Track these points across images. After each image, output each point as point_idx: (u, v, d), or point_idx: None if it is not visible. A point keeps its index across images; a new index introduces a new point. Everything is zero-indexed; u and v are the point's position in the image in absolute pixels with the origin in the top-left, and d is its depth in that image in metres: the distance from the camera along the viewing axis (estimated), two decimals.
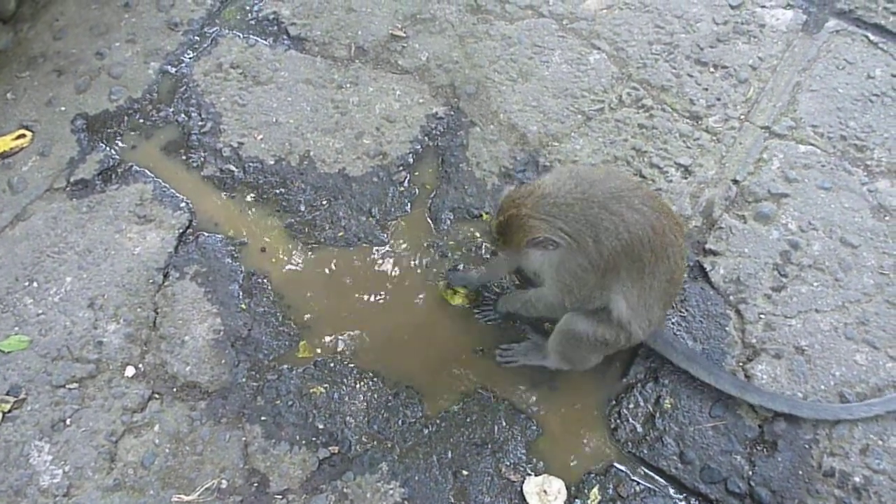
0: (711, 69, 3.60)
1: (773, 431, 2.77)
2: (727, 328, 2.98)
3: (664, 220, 2.45)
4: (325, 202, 3.35)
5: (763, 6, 3.78)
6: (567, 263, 2.48)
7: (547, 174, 2.57)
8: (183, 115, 3.59)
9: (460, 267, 3.17)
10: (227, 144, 3.50)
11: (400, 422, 2.87)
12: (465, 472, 2.77)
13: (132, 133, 3.57)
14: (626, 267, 2.46)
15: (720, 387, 2.79)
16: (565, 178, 2.45)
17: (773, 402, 2.75)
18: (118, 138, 3.55)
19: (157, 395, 2.93)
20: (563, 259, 2.47)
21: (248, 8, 3.93)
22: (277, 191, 3.38)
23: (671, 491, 2.74)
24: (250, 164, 3.44)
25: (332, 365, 2.99)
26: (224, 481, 2.77)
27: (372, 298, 3.14)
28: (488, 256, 3.19)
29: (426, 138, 3.49)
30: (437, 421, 2.88)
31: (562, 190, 2.41)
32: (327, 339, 3.06)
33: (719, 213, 3.23)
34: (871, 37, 3.65)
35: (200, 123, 3.56)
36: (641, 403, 2.88)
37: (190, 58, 3.77)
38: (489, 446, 2.82)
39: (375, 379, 2.96)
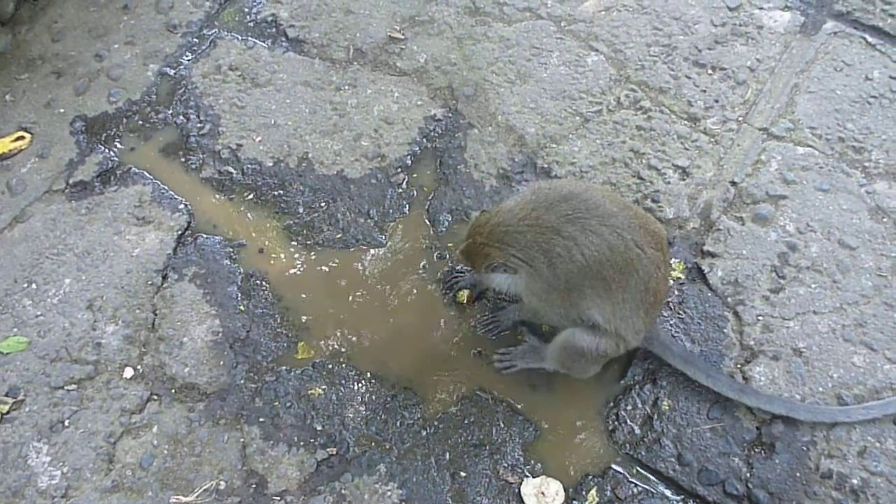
0: (709, 71, 3.61)
1: (770, 433, 2.77)
2: (725, 330, 2.99)
3: (628, 235, 2.45)
4: (323, 204, 3.35)
5: (761, 8, 3.79)
6: (531, 286, 2.57)
7: (510, 198, 2.66)
8: (182, 117, 3.60)
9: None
10: (226, 146, 3.50)
11: (398, 423, 2.88)
12: (462, 474, 2.77)
13: (131, 135, 3.57)
14: (590, 285, 2.51)
15: (718, 389, 2.79)
16: (524, 202, 2.51)
17: (770, 405, 2.75)
18: (117, 140, 3.55)
19: (155, 397, 2.94)
20: (527, 282, 2.56)
21: (246, 10, 3.94)
22: (276, 192, 3.38)
23: (669, 493, 2.74)
24: (249, 165, 3.45)
25: (330, 366, 2.99)
26: (222, 482, 2.77)
27: (370, 300, 3.15)
28: None
29: (424, 140, 3.50)
30: (435, 422, 2.88)
31: (516, 217, 2.48)
32: (326, 340, 3.07)
33: (717, 214, 3.23)
34: (869, 39, 3.65)
35: (199, 125, 3.56)
36: (639, 405, 2.88)
37: (188, 60, 3.77)
38: (487, 448, 2.82)
39: (374, 380, 2.97)
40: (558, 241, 2.43)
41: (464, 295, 3.12)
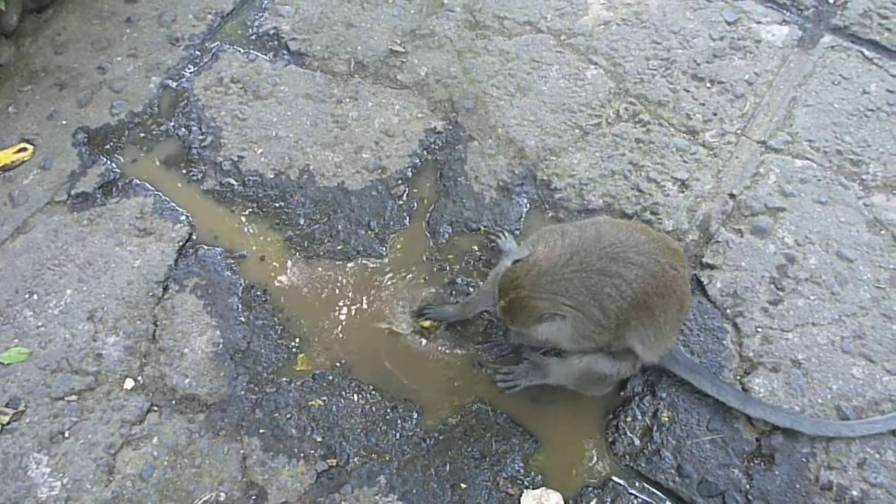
0: (708, 84, 3.63)
1: (770, 445, 2.77)
2: (724, 342, 2.99)
3: (663, 259, 2.47)
4: (324, 216, 3.36)
5: (759, 22, 3.82)
6: (579, 328, 2.51)
7: (539, 243, 2.54)
8: (183, 129, 3.62)
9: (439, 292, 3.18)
10: (227, 158, 3.52)
11: (398, 435, 2.88)
12: (463, 486, 2.77)
13: (133, 147, 3.59)
14: (636, 316, 2.50)
15: (723, 399, 2.80)
16: (559, 248, 2.45)
17: (774, 416, 2.75)
18: (119, 152, 3.57)
19: (155, 408, 2.94)
20: (575, 325, 2.50)
21: (248, 23, 3.97)
22: (277, 204, 3.40)
23: None
24: (250, 177, 3.47)
25: (330, 378, 3.00)
26: (222, 494, 2.77)
27: (370, 311, 3.15)
28: (488, 271, 3.20)
29: (425, 152, 3.52)
30: (436, 434, 2.88)
31: (558, 264, 2.43)
32: (326, 351, 3.07)
33: (716, 226, 3.25)
34: (866, 52, 3.68)
35: (201, 137, 3.58)
36: (639, 417, 2.88)
37: (191, 72, 3.80)
38: (487, 459, 2.82)
39: (374, 392, 2.97)
40: (606, 281, 2.41)
41: (428, 322, 3.12)
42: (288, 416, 2.91)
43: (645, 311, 2.49)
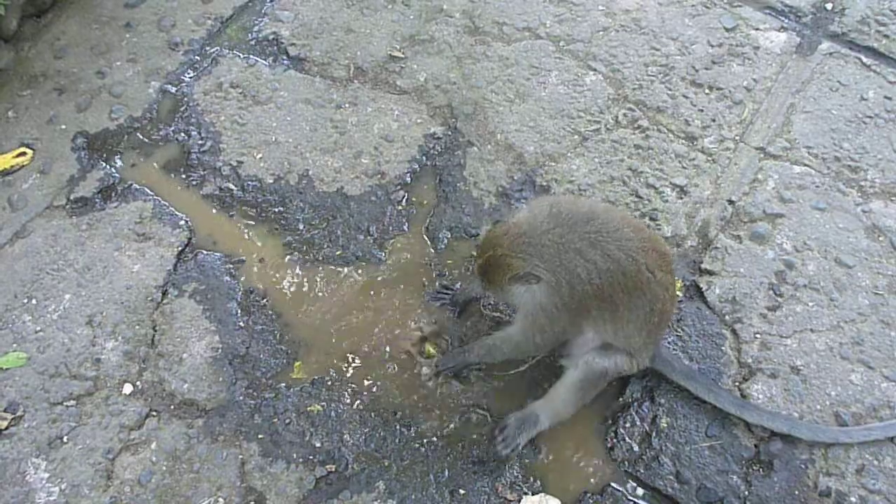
0: (706, 90, 3.64)
1: (769, 451, 2.77)
2: (723, 348, 3.00)
3: (641, 259, 2.46)
4: (323, 221, 3.36)
5: (757, 28, 3.83)
6: (544, 302, 2.52)
7: (523, 210, 2.61)
8: (183, 134, 3.62)
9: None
10: (227, 163, 3.52)
11: (397, 440, 2.88)
12: (461, 492, 2.77)
13: (132, 151, 3.59)
14: (597, 307, 2.52)
15: (719, 405, 2.80)
16: (543, 216, 2.48)
17: (772, 422, 2.76)
18: (118, 157, 3.57)
19: (154, 413, 2.94)
20: (542, 297, 2.52)
21: (248, 28, 3.97)
22: (276, 209, 3.40)
23: None
24: (249, 182, 3.47)
25: (329, 383, 3.00)
26: (221, 500, 2.77)
27: (369, 317, 3.15)
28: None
29: (424, 158, 3.52)
30: (434, 440, 2.88)
31: (538, 230, 2.45)
32: (325, 357, 3.07)
33: (715, 232, 3.25)
34: (864, 59, 3.69)
35: (200, 142, 3.58)
36: (638, 422, 2.88)
37: (190, 77, 3.80)
38: (486, 465, 2.82)
39: (373, 397, 2.97)
40: (580, 262, 2.42)
41: (431, 349, 3.08)
42: (287, 421, 2.91)
43: (608, 304, 2.51)
